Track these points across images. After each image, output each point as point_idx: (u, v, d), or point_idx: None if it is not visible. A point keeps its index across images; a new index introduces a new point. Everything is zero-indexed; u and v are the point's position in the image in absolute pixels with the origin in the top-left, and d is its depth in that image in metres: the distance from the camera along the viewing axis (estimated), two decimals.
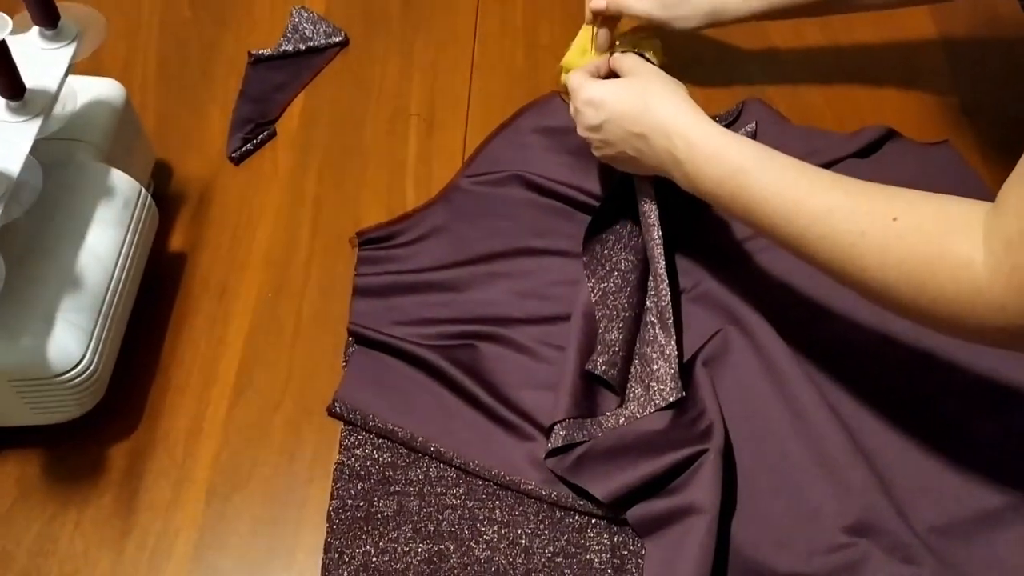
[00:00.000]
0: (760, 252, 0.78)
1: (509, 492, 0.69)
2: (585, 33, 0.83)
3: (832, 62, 0.96)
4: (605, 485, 0.66)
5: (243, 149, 0.88)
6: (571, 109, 0.75)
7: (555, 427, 0.69)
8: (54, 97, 0.66)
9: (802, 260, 0.60)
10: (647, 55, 0.77)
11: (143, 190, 0.74)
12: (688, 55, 0.94)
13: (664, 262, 0.72)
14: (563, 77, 0.87)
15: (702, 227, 0.80)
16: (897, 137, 0.88)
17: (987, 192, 0.82)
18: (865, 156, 0.87)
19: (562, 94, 0.90)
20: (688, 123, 0.66)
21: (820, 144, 0.88)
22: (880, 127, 0.88)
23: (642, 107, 0.68)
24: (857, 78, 0.94)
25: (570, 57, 0.85)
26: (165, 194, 0.85)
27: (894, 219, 0.54)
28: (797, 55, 0.97)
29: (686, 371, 0.72)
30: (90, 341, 0.66)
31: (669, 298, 0.71)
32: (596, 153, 0.74)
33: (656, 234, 0.72)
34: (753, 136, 0.88)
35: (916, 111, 0.91)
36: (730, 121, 0.90)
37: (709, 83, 0.93)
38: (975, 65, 0.96)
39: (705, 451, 0.65)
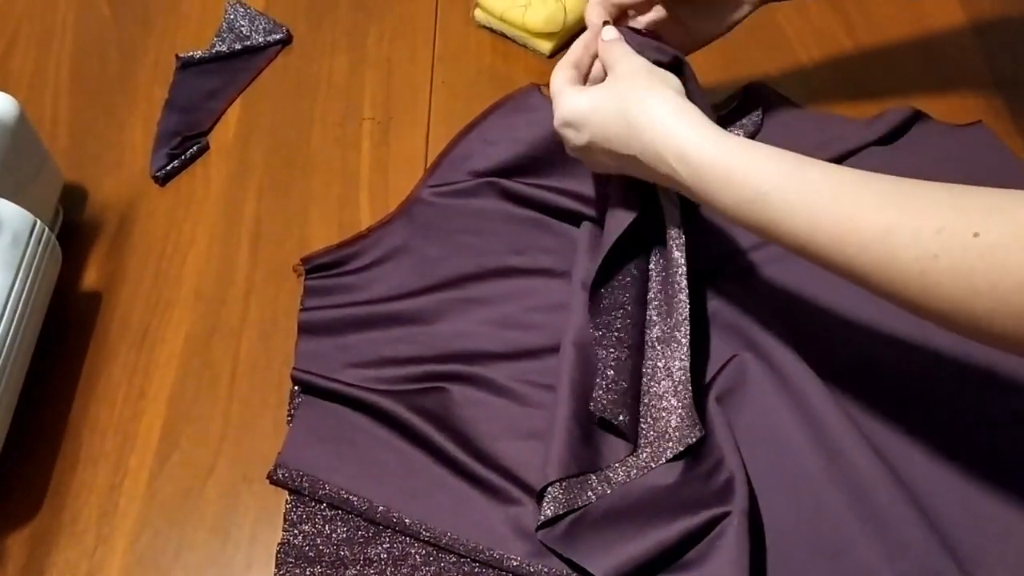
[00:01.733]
0: (773, 263, 0.67)
1: (490, 570, 0.56)
2: None
3: (845, 41, 0.84)
4: (606, 560, 0.54)
5: (169, 167, 0.76)
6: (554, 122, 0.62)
7: (548, 490, 0.56)
8: None
9: (859, 286, 0.49)
10: None
11: (38, 223, 0.62)
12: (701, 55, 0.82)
13: (683, 266, 0.61)
14: (476, 13, 0.86)
15: (701, 233, 0.68)
16: (924, 119, 0.76)
17: None
18: (888, 143, 0.75)
19: (542, 87, 0.78)
20: (684, 140, 0.53)
21: (836, 131, 0.76)
22: (904, 109, 0.76)
23: (626, 130, 0.56)
24: (873, 58, 0.82)
25: None
26: (77, 222, 0.73)
27: (975, 235, 0.42)
28: (805, 36, 0.85)
29: (697, 408, 0.60)
30: None
31: (688, 311, 0.59)
32: (595, 171, 0.64)
33: (675, 233, 0.62)
34: (759, 128, 0.76)
35: (941, 90, 0.80)
36: (732, 108, 0.78)
37: (709, 71, 0.81)
38: (1006, 33, 0.84)
39: (727, 514, 0.53)
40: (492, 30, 0.85)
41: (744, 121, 0.77)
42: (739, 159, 0.52)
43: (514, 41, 0.85)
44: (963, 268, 0.42)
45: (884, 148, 0.75)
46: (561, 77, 0.62)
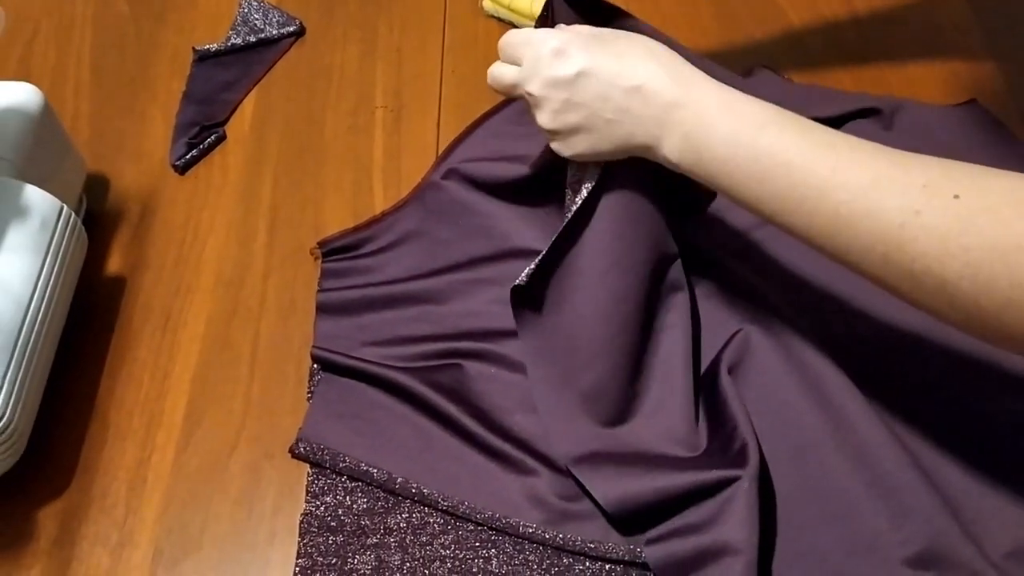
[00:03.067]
0: (771, 240, 0.68)
1: (507, 537, 0.58)
2: None
3: (850, 28, 0.85)
4: (611, 487, 0.56)
5: (188, 156, 0.78)
6: (504, 73, 0.59)
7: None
8: None
9: (831, 255, 0.49)
10: None
11: (65, 208, 0.64)
12: (696, 29, 0.84)
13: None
14: (484, 2, 0.87)
15: (697, 220, 0.69)
16: (912, 103, 0.78)
17: None
18: (874, 116, 0.76)
19: None
20: (697, 73, 0.54)
21: (822, 98, 0.78)
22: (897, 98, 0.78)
23: (639, 54, 0.54)
24: (876, 43, 0.84)
25: None
26: (100, 210, 0.75)
27: (955, 196, 0.43)
28: (800, 7, 0.86)
29: (710, 380, 0.61)
30: (0, 389, 0.55)
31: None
32: (541, 121, 0.57)
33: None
34: None
35: (938, 62, 0.81)
36: None
37: (702, 39, 0.83)
38: (1003, 12, 0.85)
39: (737, 479, 0.55)
40: (500, 19, 0.87)
41: None
42: (741, 95, 0.52)
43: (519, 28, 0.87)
44: (940, 228, 0.43)
45: (879, 129, 0.76)
46: (530, 28, 0.59)
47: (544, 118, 0.57)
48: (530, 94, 0.57)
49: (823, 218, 0.48)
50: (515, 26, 0.87)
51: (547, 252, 0.61)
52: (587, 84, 0.54)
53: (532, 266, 0.61)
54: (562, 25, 0.59)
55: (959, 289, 0.43)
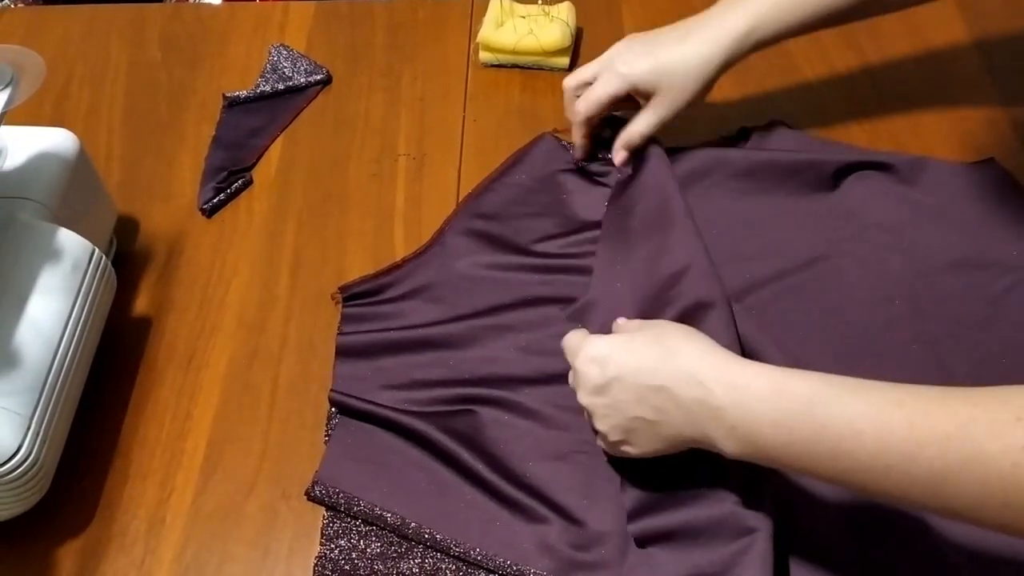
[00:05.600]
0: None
1: None
2: (495, 3, 0.89)
3: (862, 82, 0.87)
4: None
5: (216, 200, 0.80)
6: (570, 375, 0.61)
7: None
8: None
9: (939, 513, 0.46)
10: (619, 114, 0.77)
11: (96, 251, 0.66)
12: None
13: None
14: (482, 55, 0.91)
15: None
16: (936, 161, 0.79)
17: None
18: (889, 170, 0.77)
19: (556, 132, 0.82)
20: (724, 364, 0.52)
21: (837, 150, 0.80)
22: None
23: (658, 354, 0.54)
24: (890, 99, 0.85)
25: (486, 32, 0.88)
26: (129, 252, 0.77)
27: None
28: (815, 63, 0.88)
29: None
30: (28, 428, 0.57)
31: None
32: (599, 428, 0.58)
33: None
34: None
35: (956, 129, 0.82)
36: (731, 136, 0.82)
37: (720, 97, 0.85)
38: (1015, 69, 0.87)
39: (755, 531, 0.55)
40: (504, 65, 0.89)
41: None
42: (785, 373, 0.50)
43: (528, 68, 0.89)
44: None
45: (897, 183, 0.77)
46: (579, 332, 0.61)
47: (597, 424, 0.58)
48: (582, 405, 0.59)
49: (918, 480, 0.44)
50: (519, 67, 0.89)
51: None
52: (621, 388, 0.55)
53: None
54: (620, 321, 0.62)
55: None
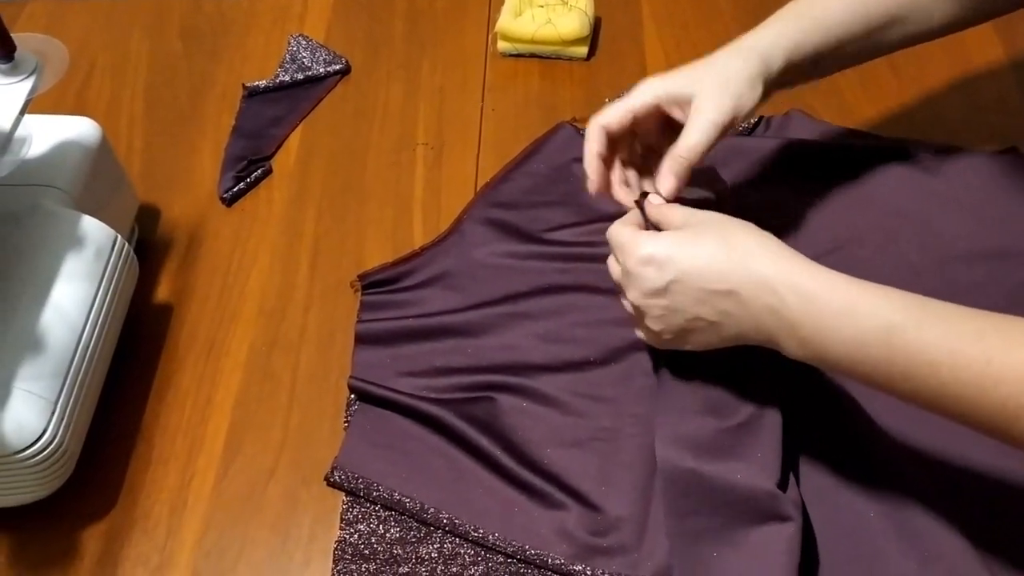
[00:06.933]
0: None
1: (535, 570, 0.59)
2: None
3: (883, 69, 0.86)
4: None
5: (236, 188, 0.81)
6: (615, 270, 0.59)
7: None
8: (7, 137, 0.59)
9: (1005, 442, 0.46)
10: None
11: (119, 238, 0.67)
12: None
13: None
14: (500, 44, 0.90)
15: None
16: (953, 150, 0.78)
17: None
18: (910, 160, 0.77)
19: (574, 122, 0.82)
20: (800, 273, 0.50)
21: (855, 138, 0.79)
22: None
23: (725, 258, 0.52)
24: (911, 87, 0.85)
25: (504, 22, 0.88)
26: (150, 240, 0.78)
27: None
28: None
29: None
30: (53, 412, 0.58)
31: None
32: (650, 327, 0.57)
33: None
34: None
35: (977, 118, 0.82)
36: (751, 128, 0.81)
37: None
38: None
39: (789, 519, 0.56)
40: (522, 55, 0.90)
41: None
42: (862, 290, 0.49)
43: (547, 57, 0.89)
44: None
45: (921, 173, 0.77)
46: (628, 228, 0.58)
47: (650, 324, 0.57)
48: (631, 303, 0.57)
49: (987, 411, 0.45)
50: (537, 56, 0.89)
51: None
52: (681, 291, 0.54)
53: None
54: (665, 200, 0.59)
55: None
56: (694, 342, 0.56)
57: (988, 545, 0.57)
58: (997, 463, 0.60)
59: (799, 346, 0.51)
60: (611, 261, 0.60)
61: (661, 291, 0.54)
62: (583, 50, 0.89)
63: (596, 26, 0.90)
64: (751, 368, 0.60)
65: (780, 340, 0.51)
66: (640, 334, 0.60)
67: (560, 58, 0.89)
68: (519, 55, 0.90)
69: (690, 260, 0.53)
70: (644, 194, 0.61)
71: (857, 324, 0.48)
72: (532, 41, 0.88)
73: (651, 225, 0.59)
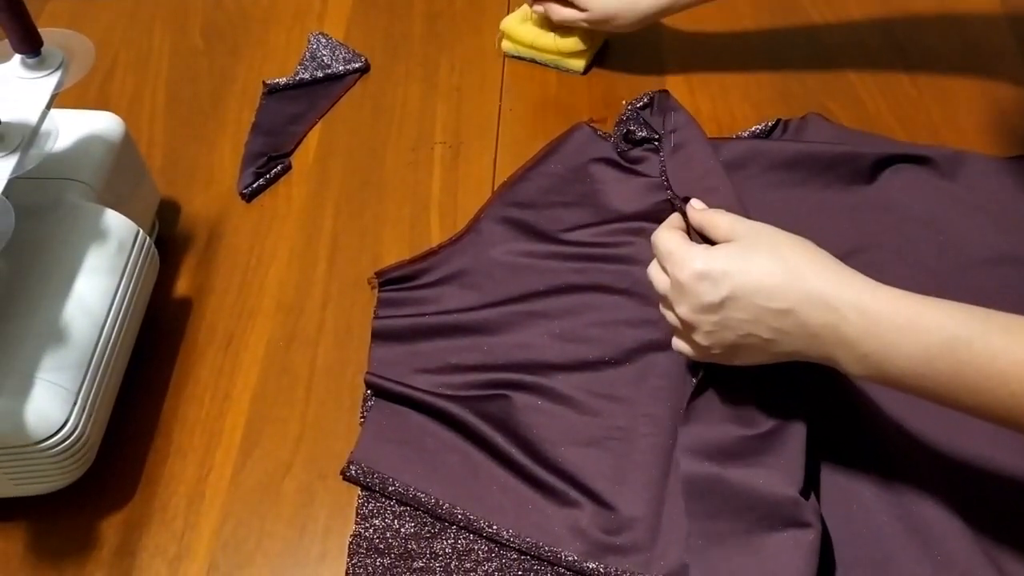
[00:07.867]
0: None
1: (549, 567, 0.60)
2: None
3: (900, 74, 0.87)
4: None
5: (255, 185, 0.81)
6: (661, 281, 0.58)
7: None
8: (33, 131, 0.59)
9: None
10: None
11: (140, 232, 0.67)
12: (750, 80, 0.86)
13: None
14: (504, 44, 0.90)
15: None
16: (971, 155, 0.78)
17: None
18: (927, 164, 0.77)
19: (592, 122, 0.82)
20: (859, 289, 0.50)
21: (874, 142, 0.79)
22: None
23: (782, 273, 0.51)
24: (928, 91, 0.85)
25: (508, 22, 0.89)
26: (171, 235, 0.79)
27: None
28: (858, 63, 0.87)
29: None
30: (75, 403, 0.59)
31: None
32: (699, 342, 0.56)
33: None
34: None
35: (995, 123, 0.82)
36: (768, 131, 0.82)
37: (765, 104, 0.84)
38: None
39: (808, 525, 0.56)
40: (523, 59, 0.90)
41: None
42: (924, 305, 0.48)
43: (545, 65, 0.89)
44: None
45: (937, 177, 0.77)
46: (676, 236, 0.58)
47: (698, 339, 0.56)
48: (680, 318, 0.56)
49: None
50: (537, 62, 0.89)
51: None
52: (736, 307, 0.53)
53: None
54: (710, 210, 0.59)
55: None
56: (743, 358, 0.56)
57: (1002, 551, 0.57)
58: (1010, 469, 0.60)
59: (859, 363, 0.50)
60: (655, 270, 0.59)
61: (715, 307, 0.54)
62: (580, 64, 0.88)
63: (605, 44, 0.90)
64: (777, 380, 0.60)
65: (838, 358, 0.51)
66: (683, 347, 0.59)
67: (558, 68, 0.89)
68: (519, 58, 0.90)
69: (745, 276, 0.53)
70: (685, 199, 0.61)
71: (921, 339, 0.47)
72: (531, 46, 0.88)
73: (693, 230, 0.59)
